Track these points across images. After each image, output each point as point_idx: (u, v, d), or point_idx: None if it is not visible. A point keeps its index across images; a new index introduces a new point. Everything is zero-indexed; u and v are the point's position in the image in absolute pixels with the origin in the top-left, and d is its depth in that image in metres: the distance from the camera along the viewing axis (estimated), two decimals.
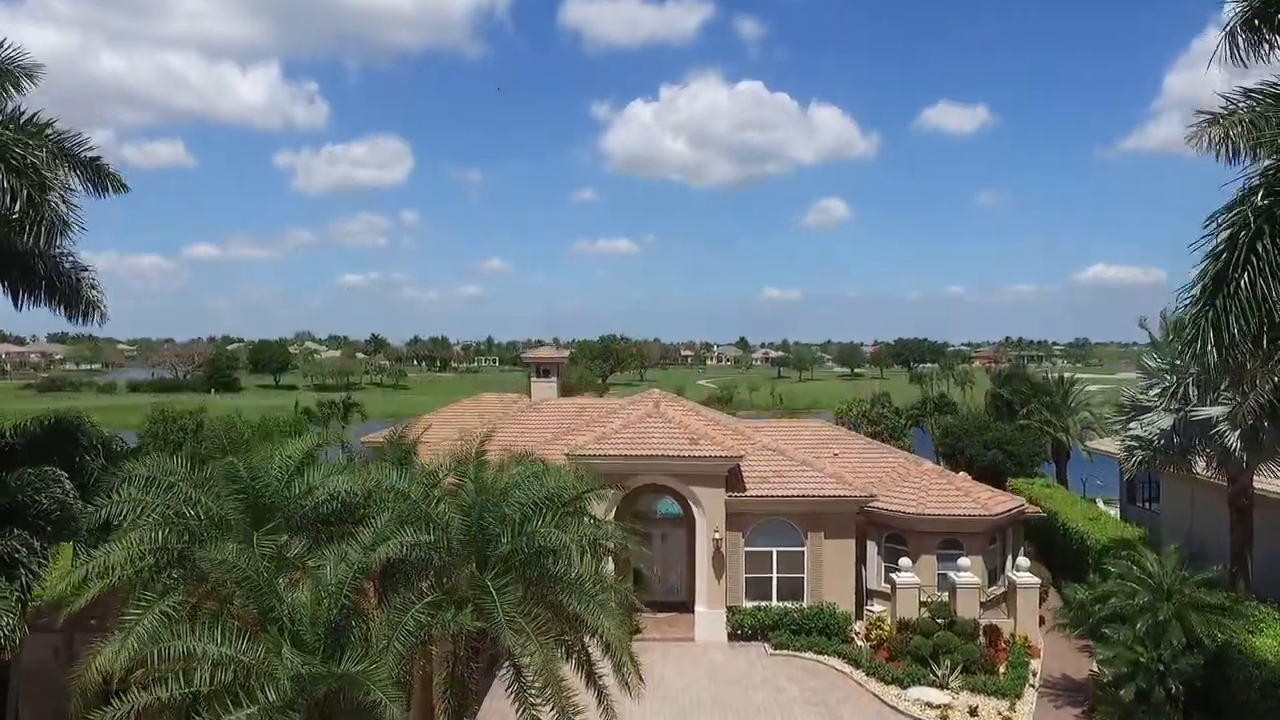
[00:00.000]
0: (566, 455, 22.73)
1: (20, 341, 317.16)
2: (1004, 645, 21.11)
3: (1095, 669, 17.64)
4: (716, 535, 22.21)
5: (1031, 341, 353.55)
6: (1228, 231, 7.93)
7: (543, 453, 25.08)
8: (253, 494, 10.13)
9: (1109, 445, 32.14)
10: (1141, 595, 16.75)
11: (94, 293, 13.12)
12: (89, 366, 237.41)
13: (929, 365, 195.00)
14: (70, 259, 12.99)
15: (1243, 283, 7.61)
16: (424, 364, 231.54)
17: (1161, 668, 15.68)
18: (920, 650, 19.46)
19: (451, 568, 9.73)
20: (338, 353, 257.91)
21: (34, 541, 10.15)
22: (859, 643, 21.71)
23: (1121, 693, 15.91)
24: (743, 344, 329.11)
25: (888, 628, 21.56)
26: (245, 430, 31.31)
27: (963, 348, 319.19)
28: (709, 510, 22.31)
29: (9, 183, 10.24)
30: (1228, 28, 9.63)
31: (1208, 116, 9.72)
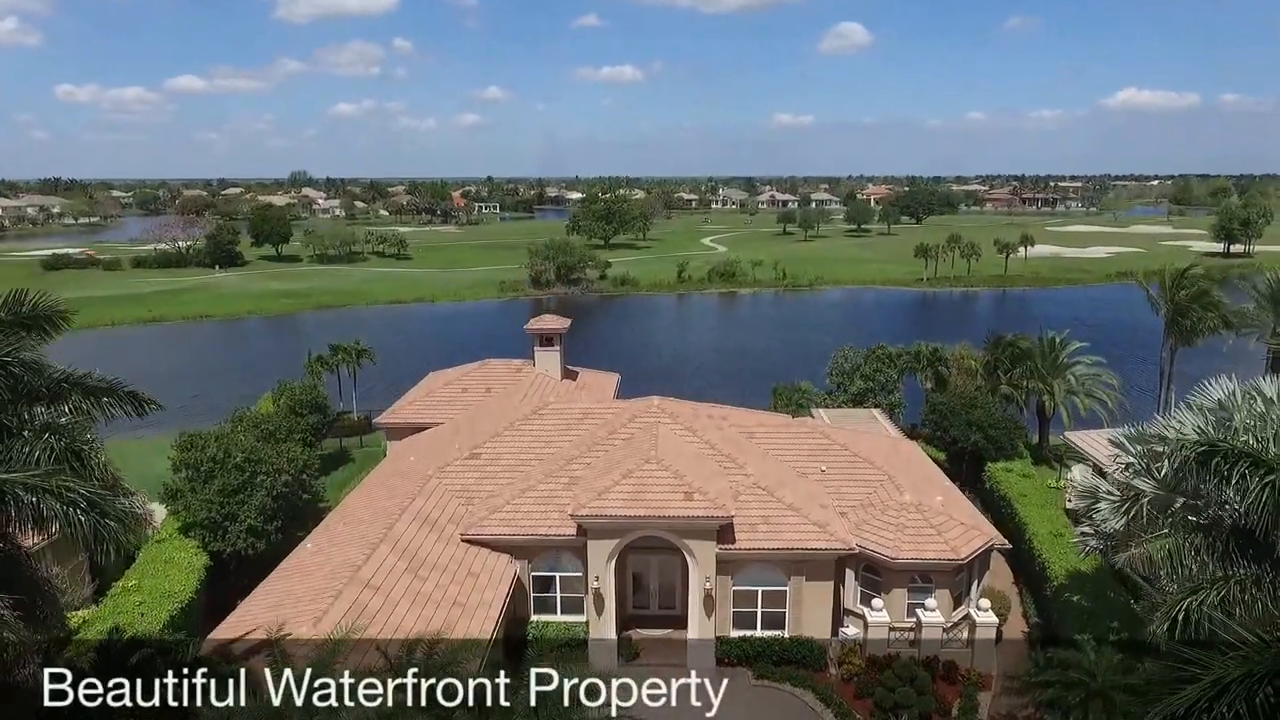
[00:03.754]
0: (571, 516, 24.60)
1: (11, 187, 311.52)
2: (961, 678, 24.01)
3: None
4: (708, 585, 24.51)
5: (1049, 179, 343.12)
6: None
7: (546, 486, 27.08)
8: None
9: (1084, 441, 33.81)
10: (1077, 692, 19.12)
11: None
12: (87, 220, 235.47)
13: (939, 217, 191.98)
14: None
15: None
16: (425, 215, 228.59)
17: None
18: (884, 703, 22.30)
19: None
20: (337, 203, 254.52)
21: None
22: (832, 671, 24.63)
23: None
24: (749, 185, 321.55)
25: (859, 661, 24.37)
26: (270, 424, 33.14)
27: (977, 186, 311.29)
28: (701, 561, 24.44)
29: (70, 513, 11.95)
30: None
31: None
